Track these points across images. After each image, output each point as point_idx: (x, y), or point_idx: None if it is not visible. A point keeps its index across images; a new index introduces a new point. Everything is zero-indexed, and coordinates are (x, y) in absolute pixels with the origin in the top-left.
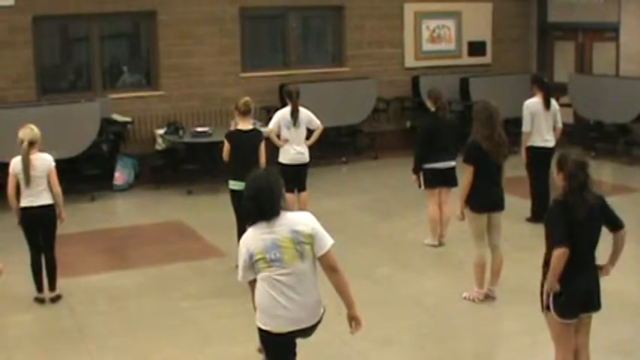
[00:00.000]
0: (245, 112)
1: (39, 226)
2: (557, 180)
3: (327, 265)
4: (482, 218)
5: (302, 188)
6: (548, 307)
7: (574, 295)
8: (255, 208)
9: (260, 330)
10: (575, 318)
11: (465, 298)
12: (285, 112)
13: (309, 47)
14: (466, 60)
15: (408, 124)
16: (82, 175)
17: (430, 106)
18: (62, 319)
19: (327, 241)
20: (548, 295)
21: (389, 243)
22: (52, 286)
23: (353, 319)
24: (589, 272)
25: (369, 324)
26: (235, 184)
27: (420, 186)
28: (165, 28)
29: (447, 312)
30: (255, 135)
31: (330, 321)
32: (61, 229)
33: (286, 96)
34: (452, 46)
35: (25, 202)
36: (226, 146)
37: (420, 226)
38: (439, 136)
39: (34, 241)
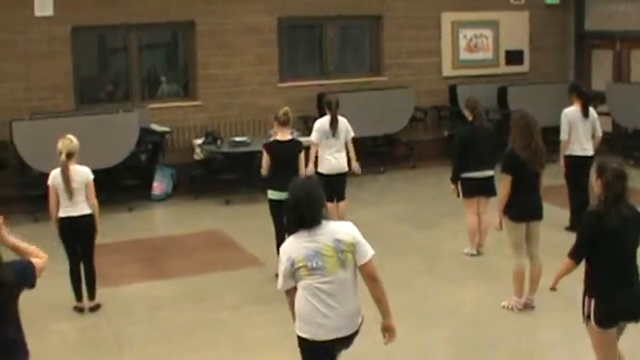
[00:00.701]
0: (284, 123)
1: (77, 236)
2: (595, 187)
3: (368, 274)
4: (521, 227)
5: (341, 197)
6: (588, 317)
7: (612, 305)
8: (297, 217)
9: (299, 338)
10: (615, 327)
11: (504, 307)
12: (324, 122)
13: (346, 56)
14: (503, 69)
15: (446, 133)
16: (120, 185)
17: (467, 115)
18: (100, 329)
19: (368, 250)
20: (589, 305)
21: (427, 252)
22: (92, 296)
23: (387, 330)
24: (628, 282)
25: (407, 333)
26: (274, 194)
27: (458, 195)
28: (203, 38)
29: (485, 321)
30: (294, 145)
31: (369, 331)
32: (100, 239)
33: (325, 106)
34: (489, 55)
35: (63, 212)
36: (265, 157)
37: (459, 236)
38: (476, 145)
39: (72, 251)
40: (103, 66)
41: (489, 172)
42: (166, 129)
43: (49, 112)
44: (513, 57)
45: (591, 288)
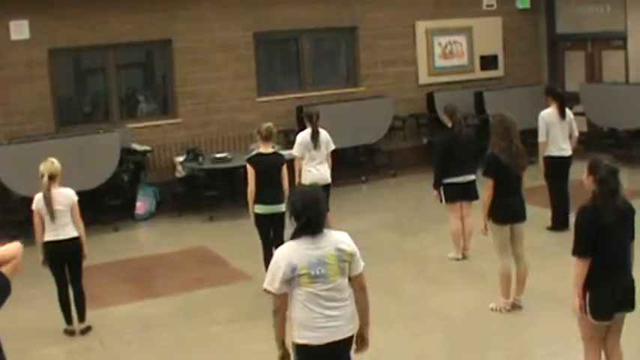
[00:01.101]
0: (267, 137)
1: (65, 260)
2: (586, 183)
3: (359, 285)
4: (505, 229)
5: (326, 208)
6: (583, 309)
7: (607, 298)
8: (303, 223)
9: (299, 346)
10: (610, 320)
11: (492, 309)
12: (305, 135)
13: (323, 69)
14: (479, 74)
15: (425, 140)
16: (104, 206)
17: (447, 121)
18: (92, 351)
19: (361, 262)
20: (583, 297)
21: (414, 259)
22: (82, 318)
23: (363, 340)
24: (622, 275)
25: (400, 339)
26: (260, 208)
27: (441, 201)
28: (180, 56)
29: (475, 324)
30: (277, 158)
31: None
32: (87, 261)
33: (306, 118)
34: (464, 61)
35: (49, 236)
36: (250, 171)
37: (443, 241)
38: (457, 150)
39: (60, 274)
40: (81, 87)
41: (471, 177)
42: (147, 148)
43: (29, 136)
44: (488, 62)
45: (587, 281)
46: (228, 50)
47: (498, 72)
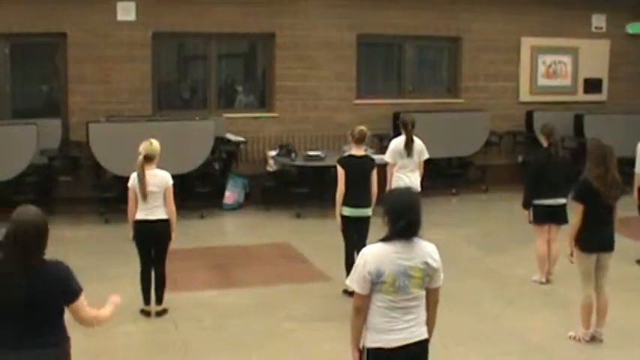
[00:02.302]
0: (359, 140)
1: (152, 240)
2: None
3: (433, 298)
4: (591, 258)
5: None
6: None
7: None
8: (402, 227)
9: (371, 350)
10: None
11: (570, 337)
12: (399, 142)
13: (424, 77)
14: (581, 97)
15: (520, 158)
16: (193, 192)
17: (543, 141)
18: (167, 333)
19: (441, 277)
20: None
21: (496, 277)
22: (160, 300)
23: None
24: None
25: (475, 358)
26: (347, 210)
27: (530, 221)
28: (282, 51)
29: (552, 351)
30: (367, 161)
31: (437, 352)
32: (171, 245)
33: (401, 125)
34: (567, 82)
35: (140, 215)
36: (340, 172)
37: (528, 262)
38: (550, 172)
39: (145, 254)
40: (181, 73)
41: (562, 200)
42: (241, 139)
43: (126, 116)
44: (592, 85)
45: None
46: (330, 49)
47: (601, 96)
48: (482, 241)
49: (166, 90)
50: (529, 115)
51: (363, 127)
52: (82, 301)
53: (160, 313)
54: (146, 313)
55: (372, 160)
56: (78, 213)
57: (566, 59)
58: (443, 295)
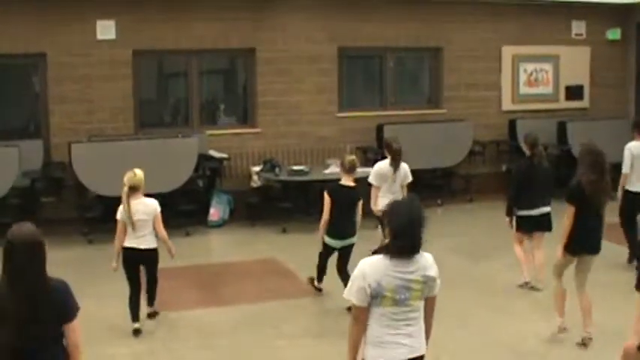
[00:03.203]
0: (350, 170)
1: (140, 264)
2: None
3: (430, 307)
4: (572, 259)
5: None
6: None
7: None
8: (402, 246)
9: None
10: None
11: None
12: (384, 166)
13: (405, 88)
14: (563, 104)
15: (504, 167)
16: (177, 210)
17: (526, 150)
18: (156, 354)
19: (438, 284)
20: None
21: (484, 286)
22: (151, 302)
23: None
24: None
25: None
26: (330, 241)
27: (511, 227)
28: (263, 66)
29: (544, 356)
30: (355, 193)
31: None
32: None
33: (386, 149)
34: (549, 90)
35: (128, 243)
36: (327, 200)
37: (516, 270)
38: (533, 182)
39: (134, 278)
40: (163, 90)
41: (546, 209)
42: (224, 155)
43: (108, 136)
44: (574, 92)
45: None
46: (311, 63)
47: (583, 103)
48: (468, 249)
49: (148, 108)
50: (512, 124)
51: (353, 157)
52: (78, 323)
53: (151, 315)
54: (136, 332)
55: (358, 193)
56: (62, 234)
57: (547, 67)
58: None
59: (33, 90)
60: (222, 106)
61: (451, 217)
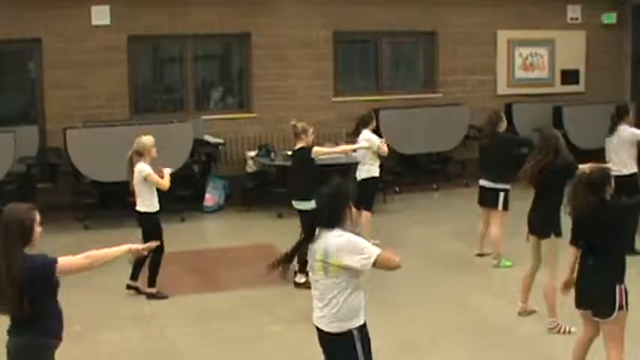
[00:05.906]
0: (296, 135)
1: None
2: None
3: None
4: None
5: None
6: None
7: None
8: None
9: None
10: None
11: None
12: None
13: (401, 72)
14: (559, 88)
15: None
16: (172, 196)
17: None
18: (153, 340)
19: (362, 262)
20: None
21: (481, 271)
22: (151, 284)
23: None
24: None
25: (465, 353)
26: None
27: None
28: (258, 51)
29: (541, 342)
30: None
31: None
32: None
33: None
34: (545, 74)
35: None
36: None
37: (513, 254)
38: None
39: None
40: (158, 76)
41: (484, 182)
42: (220, 140)
43: (103, 121)
44: (569, 76)
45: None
46: (306, 48)
47: (579, 87)
48: (465, 234)
49: (143, 93)
50: (508, 108)
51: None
52: (63, 260)
53: (150, 296)
54: (130, 287)
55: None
56: (58, 220)
57: (543, 51)
58: (430, 291)
59: (28, 76)
60: (217, 92)
61: (447, 201)
